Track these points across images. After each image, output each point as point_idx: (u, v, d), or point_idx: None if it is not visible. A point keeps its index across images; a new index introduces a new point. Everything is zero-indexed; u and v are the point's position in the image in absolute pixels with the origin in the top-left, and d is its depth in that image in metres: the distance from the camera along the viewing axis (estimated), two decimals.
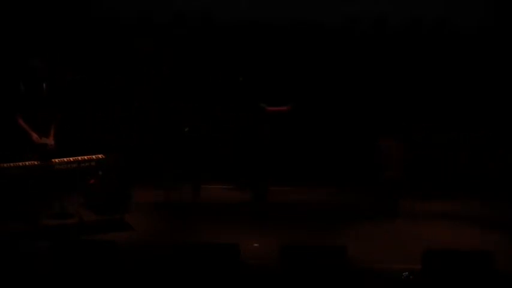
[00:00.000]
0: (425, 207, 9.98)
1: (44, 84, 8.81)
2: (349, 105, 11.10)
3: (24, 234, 8.27)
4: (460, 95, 11.12)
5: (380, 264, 7.65)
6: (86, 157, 8.79)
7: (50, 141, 8.86)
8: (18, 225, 8.44)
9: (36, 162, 8.57)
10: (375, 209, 9.68)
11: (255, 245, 8.36)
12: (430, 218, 9.58)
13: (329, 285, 6.18)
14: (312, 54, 11.35)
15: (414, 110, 10.99)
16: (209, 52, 11.50)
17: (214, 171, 10.89)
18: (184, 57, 11.46)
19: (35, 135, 8.75)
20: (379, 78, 11.16)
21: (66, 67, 10.77)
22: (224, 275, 6.22)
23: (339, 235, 8.91)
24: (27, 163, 8.56)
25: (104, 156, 8.88)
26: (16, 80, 8.87)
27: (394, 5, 11.37)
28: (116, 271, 6.29)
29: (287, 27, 11.50)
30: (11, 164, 8.50)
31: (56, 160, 8.65)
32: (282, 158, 10.42)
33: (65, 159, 8.71)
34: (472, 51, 11.23)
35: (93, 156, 8.84)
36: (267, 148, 9.91)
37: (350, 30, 11.48)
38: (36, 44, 11.31)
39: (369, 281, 7.11)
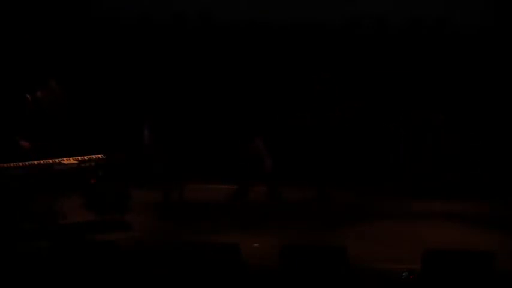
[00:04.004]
0: (425, 207, 9.98)
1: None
2: (348, 105, 11.10)
3: (25, 234, 8.29)
4: (460, 95, 11.13)
5: (380, 264, 7.65)
6: (86, 157, 8.80)
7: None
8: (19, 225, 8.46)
9: (35, 162, 8.58)
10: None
11: (255, 245, 8.37)
12: (430, 218, 9.58)
13: (329, 285, 6.18)
14: (312, 54, 11.35)
15: (413, 110, 10.99)
16: (208, 52, 11.52)
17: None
18: (183, 57, 11.48)
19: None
20: (379, 78, 11.17)
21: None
22: (224, 275, 6.22)
23: (339, 235, 8.91)
24: (27, 163, 8.57)
25: (104, 157, 8.89)
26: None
27: (394, 5, 11.37)
28: (116, 271, 6.30)
29: (287, 27, 11.50)
30: (11, 164, 8.51)
31: (56, 160, 8.67)
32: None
33: (65, 159, 8.72)
34: (472, 51, 11.24)
35: (93, 156, 8.85)
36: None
37: (350, 30, 11.49)
38: (36, 44, 11.33)
39: (369, 281, 7.11)
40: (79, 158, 8.78)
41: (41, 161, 8.63)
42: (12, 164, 8.51)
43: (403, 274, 6.71)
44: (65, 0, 11.69)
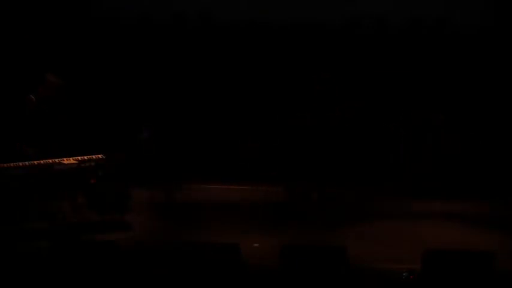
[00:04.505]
0: (425, 207, 9.98)
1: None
2: (348, 105, 11.11)
3: (25, 234, 8.29)
4: (460, 95, 11.13)
5: (380, 264, 7.65)
6: (86, 157, 8.80)
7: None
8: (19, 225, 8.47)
9: (35, 162, 8.58)
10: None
11: (255, 245, 8.37)
12: (430, 218, 9.57)
13: (329, 285, 6.18)
14: (312, 54, 11.36)
15: (413, 110, 10.99)
16: (208, 52, 11.51)
17: None
18: (183, 57, 11.48)
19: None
20: (379, 78, 11.17)
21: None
22: (224, 274, 6.22)
23: (339, 235, 8.91)
24: (27, 163, 8.58)
25: (104, 157, 8.89)
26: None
27: (394, 5, 11.38)
28: (116, 271, 6.29)
29: (287, 27, 11.50)
30: (11, 164, 8.51)
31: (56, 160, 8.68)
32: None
33: (65, 159, 8.72)
34: (472, 51, 11.24)
35: (93, 156, 8.85)
36: None
37: (350, 30, 11.49)
38: (36, 44, 11.33)
39: (369, 281, 7.11)
40: (79, 158, 8.78)
41: (41, 161, 8.63)
42: (12, 164, 8.52)
43: (403, 274, 6.71)
44: (65, 0, 11.69)
